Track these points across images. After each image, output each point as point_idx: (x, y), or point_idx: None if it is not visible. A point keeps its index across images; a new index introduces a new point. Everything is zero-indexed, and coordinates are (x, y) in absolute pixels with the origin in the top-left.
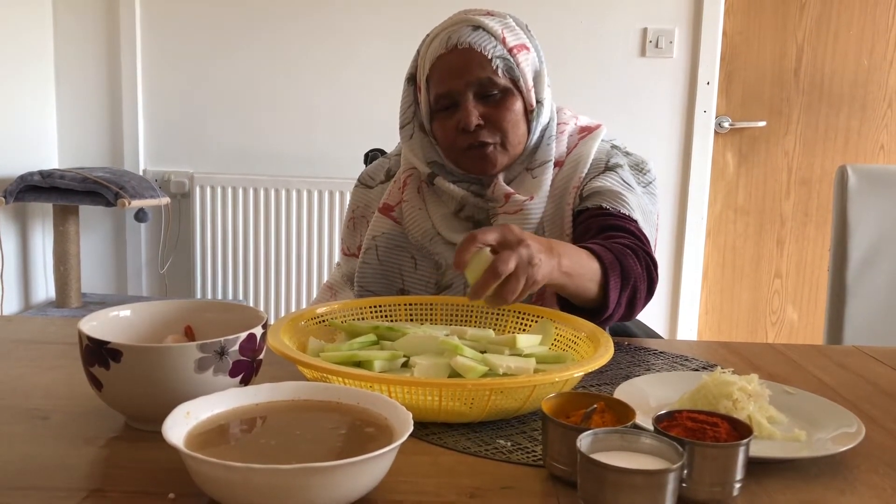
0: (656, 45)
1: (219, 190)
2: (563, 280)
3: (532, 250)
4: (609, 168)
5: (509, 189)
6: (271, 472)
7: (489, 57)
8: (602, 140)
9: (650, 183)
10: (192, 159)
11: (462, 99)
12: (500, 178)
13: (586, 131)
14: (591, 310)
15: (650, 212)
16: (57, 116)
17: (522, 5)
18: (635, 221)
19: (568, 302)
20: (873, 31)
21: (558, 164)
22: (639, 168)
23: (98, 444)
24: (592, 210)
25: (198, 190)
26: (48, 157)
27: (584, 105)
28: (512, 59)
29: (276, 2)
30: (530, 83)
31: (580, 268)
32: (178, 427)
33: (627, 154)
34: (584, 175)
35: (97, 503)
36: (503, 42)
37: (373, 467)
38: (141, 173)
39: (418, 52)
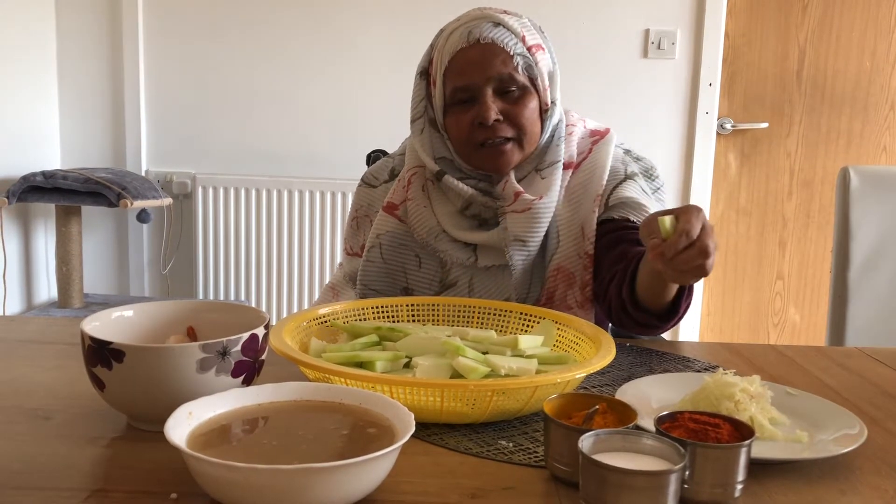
0: (658, 47)
1: (221, 191)
2: None
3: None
4: (628, 177)
5: (519, 188)
6: (273, 473)
7: (511, 53)
8: (615, 146)
9: (658, 189)
10: (194, 160)
11: (481, 93)
12: (512, 176)
13: (598, 135)
14: (659, 313)
15: None
16: (59, 117)
17: (525, 6)
18: None
19: (636, 306)
20: (875, 32)
21: (569, 166)
22: (648, 174)
23: (100, 445)
24: (620, 221)
25: (200, 191)
26: (51, 157)
27: (587, 106)
28: (531, 58)
29: (278, 3)
30: (546, 82)
31: None
32: (181, 427)
33: (638, 159)
34: (605, 182)
35: (99, 503)
36: (523, 40)
37: (375, 468)
38: (143, 174)
39: (432, 46)
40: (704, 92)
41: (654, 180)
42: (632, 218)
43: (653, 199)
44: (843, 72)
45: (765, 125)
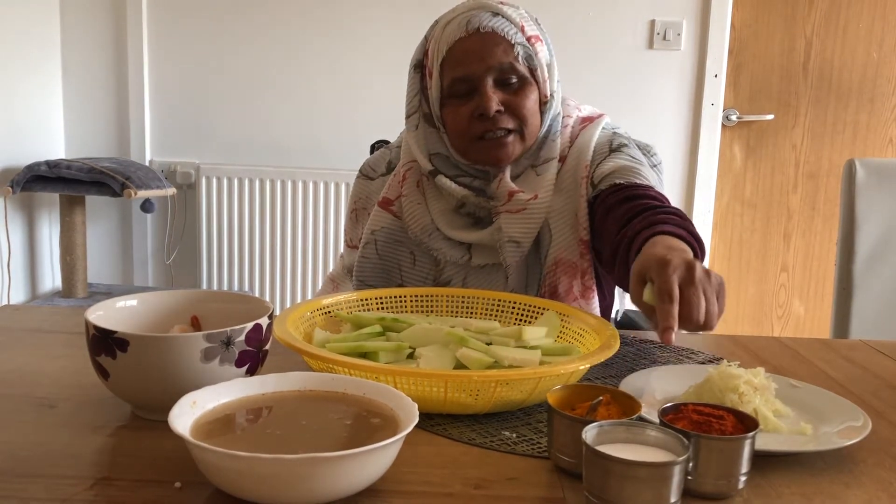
0: (664, 38)
1: (224, 181)
2: None
3: (692, 264)
4: (614, 150)
5: (514, 186)
6: (277, 462)
7: (512, 43)
8: (603, 128)
9: (656, 165)
10: (198, 150)
11: (481, 84)
12: (507, 173)
13: (588, 121)
14: None
15: (659, 189)
16: (64, 107)
17: None
18: (652, 188)
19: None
20: (883, 23)
21: (561, 158)
22: (646, 149)
23: (105, 433)
24: (607, 190)
25: (204, 181)
26: (55, 147)
27: (591, 97)
28: (531, 48)
29: None
30: (546, 74)
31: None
32: (185, 416)
33: (630, 140)
34: (589, 163)
35: (104, 491)
36: (522, 30)
37: (378, 458)
38: (147, 164)
39: (426, 38)
40: (710, 83)
41: (651, 156)
42: (618, 181)
43: (647, 164)
44: (849, 63)
45: (770, 117)
